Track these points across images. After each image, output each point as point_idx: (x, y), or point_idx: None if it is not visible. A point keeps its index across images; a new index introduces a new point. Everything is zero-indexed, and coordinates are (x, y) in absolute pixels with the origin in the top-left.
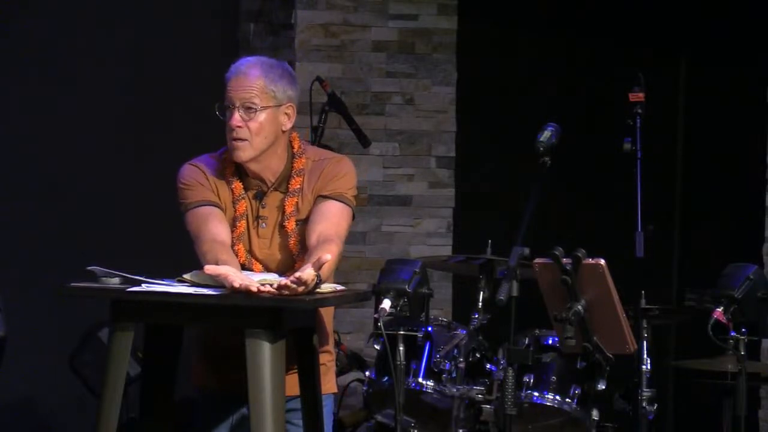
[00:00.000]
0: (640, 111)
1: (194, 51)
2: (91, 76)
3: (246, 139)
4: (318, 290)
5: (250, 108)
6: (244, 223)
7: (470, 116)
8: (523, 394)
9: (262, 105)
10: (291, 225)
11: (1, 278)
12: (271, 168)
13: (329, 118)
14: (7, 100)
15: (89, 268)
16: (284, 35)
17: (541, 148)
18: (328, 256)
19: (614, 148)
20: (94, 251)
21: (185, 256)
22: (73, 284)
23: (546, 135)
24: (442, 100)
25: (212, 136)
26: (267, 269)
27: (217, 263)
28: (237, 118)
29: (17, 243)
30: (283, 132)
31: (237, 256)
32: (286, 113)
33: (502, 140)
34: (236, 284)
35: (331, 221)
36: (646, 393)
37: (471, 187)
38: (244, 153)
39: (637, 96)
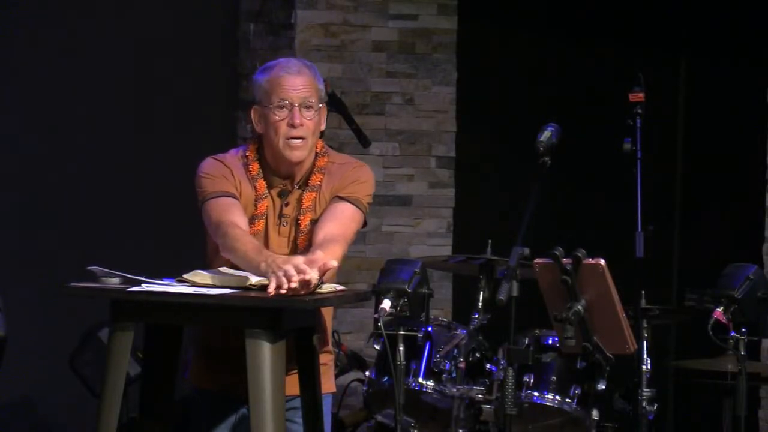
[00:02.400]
0: (640, 111)
1: (194, 51)
2: (90, 75)
3: (306, 138)
4: (318, 290)
5: (309, 107)
6: (262, 222)
7: (470, 116)
8: (523, 394)
9: (318, 104)
10: (305, 221)
11: (1, 278)
12: (303, 167)
13: (329, 118)
14: (7, 99)
15: (89, 268)
16: (284, 35)
17: (541, 148)
18: (334, 262)
19: (614, 148)
20: (94, 251)
21: (185, 256)
22: (73, 284)
23: (546, 135)
24: (442, 100)
25: (212, 136)
26: None
27: (236, 248)
28: (300, 116)
29: (17, 243)
30: (321, 132)
31: None
32: (322, 114)
33: (502, 140)
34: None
35: (341, 222)
36: (646, 393)
37: (471, 187)
38: (301, 152)
39: (637, 96)
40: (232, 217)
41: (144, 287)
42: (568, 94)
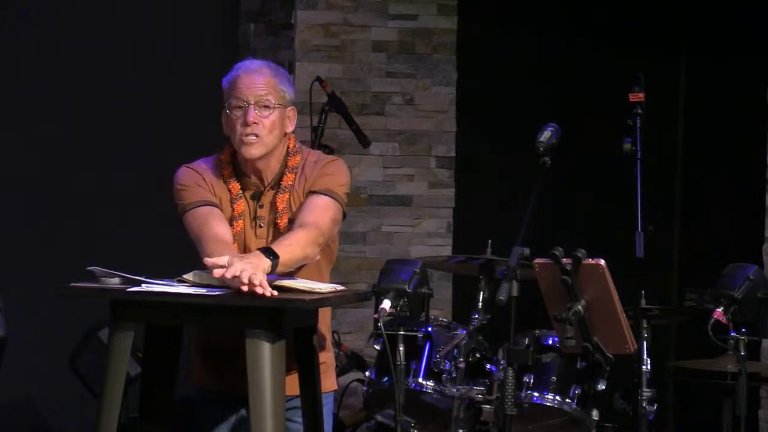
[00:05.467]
0: (640, 111)
1: (194, 51)
2: (91, 76)
3: (259, 135)
4: (318, 290)
5: (265, 106)
6: (241, 222)
7: (470, 116)
8: (523, 394)
9: (276, 103)
10: (283, 222)
11: (1, 278)
12: (270, 167)
13: (329, 118)
14: (7, 100)
15: (89, 268)
16: (284, 35)
17: (541, 148)
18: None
19: (614, 148)
20: (94, 251)
21: (185, 256)
22: (73, 284)
23: (546, 135)
24: (442, 100)
25: (212, 136)
26: None
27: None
28: (254, 114)
29: (17, 243)
30: (286, 134)
31: None
32: (289, 116)
33: (502, 140)
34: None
35: (312, 211)
36: (646, 393)
37: (471, 187)
38: (256, 149)
39: (637, 96)
40: (211, 228)
41: (144, 287)
42: (568, 94)
